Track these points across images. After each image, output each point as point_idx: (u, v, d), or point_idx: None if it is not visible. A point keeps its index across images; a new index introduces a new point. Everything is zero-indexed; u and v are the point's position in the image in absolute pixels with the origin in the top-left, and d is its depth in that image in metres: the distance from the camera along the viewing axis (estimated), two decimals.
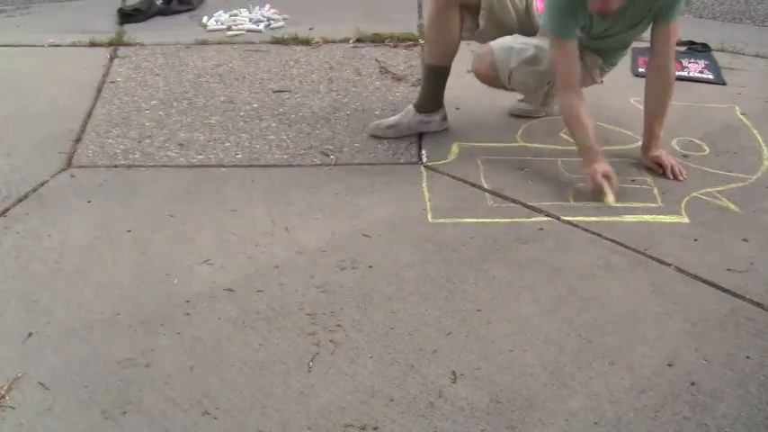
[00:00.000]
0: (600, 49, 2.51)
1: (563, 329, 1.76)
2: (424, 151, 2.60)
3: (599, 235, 2.12)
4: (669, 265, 1.99)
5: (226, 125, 2.80)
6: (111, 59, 3.32)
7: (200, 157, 2.55)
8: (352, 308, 1.82)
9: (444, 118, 2.71)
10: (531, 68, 2.45)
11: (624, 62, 3.39)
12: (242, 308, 1.82)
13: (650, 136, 2.47)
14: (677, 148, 2.62)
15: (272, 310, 1.82)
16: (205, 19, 3.89)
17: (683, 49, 3.54)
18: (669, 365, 1.65)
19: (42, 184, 2.38)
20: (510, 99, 2.84)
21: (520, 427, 1.49)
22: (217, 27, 3.81)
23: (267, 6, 4.05)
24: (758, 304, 1.84)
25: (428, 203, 2.28)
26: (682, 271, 1.97)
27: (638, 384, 1.59)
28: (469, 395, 1.57)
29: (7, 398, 1.55)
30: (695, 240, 2.10)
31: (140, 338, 1.72)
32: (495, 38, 2.54)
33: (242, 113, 2.89)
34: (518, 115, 2.82)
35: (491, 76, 2.55)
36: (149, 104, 2.95)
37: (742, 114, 2.89)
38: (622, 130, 2.75)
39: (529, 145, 2.65)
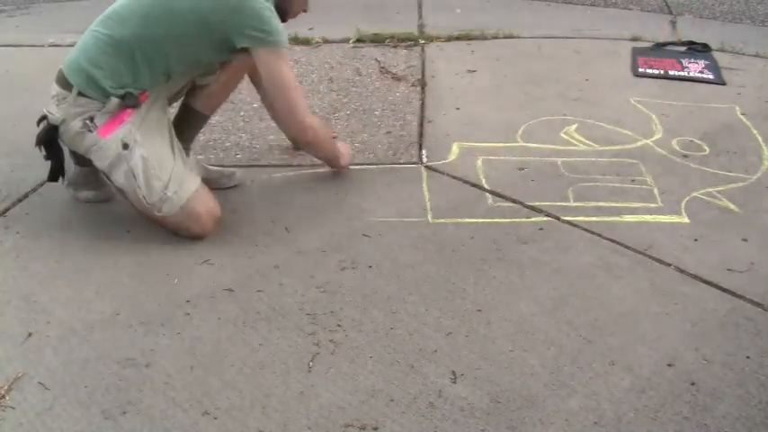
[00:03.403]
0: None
1: (563, 329, 1.76)
2: (424, 151, 2.61)
3: (599, 235, 2.12)
4: (669, 265, 1.99)
5: (226, 125, 2.80)
6: None
7: (200, 157, 2.55)
8: (352, 308, 1.82)
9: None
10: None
11: (624, 62, 3.41)
12: (242, 308, 1.82)
13: None
14: (677, 148, 2.63)
15: (272, 310, 1.82)
16: None
17: (682, 49, 3.56)
18: (669, 365, 1.65)
19: (42, 184, 2.38)
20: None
21: (520, 428, 1.49)
22: None
23: None
24: (758, 304, 1.84)
25: (428, 203, 2.28)
26: (682, 271, 1.97)
27: (638, 384, 1.59)
28: (469, 395, 1.57)
29: (7, 398, 1.55)
30: (695, 240, 2.10)
31: (140, 338, 1.72)
32: None
33: (242, 113, 2.89)
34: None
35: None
36: None
37: (742, 114, 2.90)
38: (622, 130, 2.75)
39: (529, 145, 2.65)
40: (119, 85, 2.02)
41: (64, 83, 2.04)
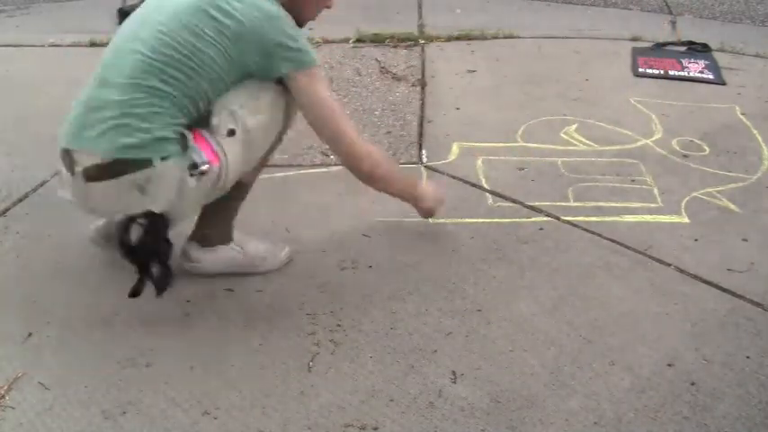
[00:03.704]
0: None
1: (563, 329, 1.76)
2: (424, 151, 2.61)
3: (599, 235, 2.12)
4: (669, 265, 1.99)
5: None
6: None
7: None
8: (352, 308, 1.82)
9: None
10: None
11: (624, 62, 3.41)
12: (242, 308, 1.82)
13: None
14: (677, 148, 2.63)
15: (272, 310, 1.82)
16: None
17: (682, 49, 3.56)
18: (669, 365, 1.65)
19: (42, 184, 2.38)
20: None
21: (520, 428, 1.49)
22: None
23: None
24: (758, 304, 1.84)
25: None
26: (682, 271, 1.96)
27: (638, 384, 1.59)
28: (469, 395, 1.56)
29: (7, 398, 1.55)
30: (695, 240, 2.10)
31: (140, 338, 1.72)
32: None
33: None
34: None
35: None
36: None
37: (742, 114, 2.90)
38: (622, 130, 2.75)
39: (529, 145, 2.65)
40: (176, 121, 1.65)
41: (134, 165, 1.62)
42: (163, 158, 1.61)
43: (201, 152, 1.66)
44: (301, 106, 1.77)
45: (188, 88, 1.63)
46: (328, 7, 1.88)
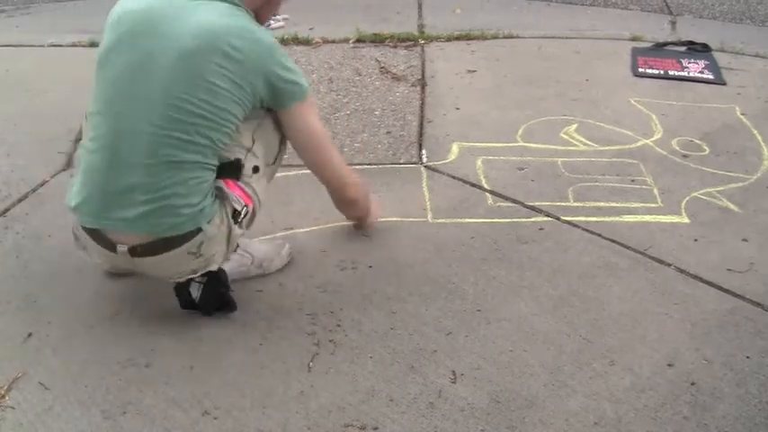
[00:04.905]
0: None
1: (563, 329, 1.76)
2: (424, 151, 2.61)
3: (599, 235, 2.12)
4: (669, 265, 1.99)
5: None
6: None
7: None
8: (352, 308, 1.82)
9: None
10: None
11: (624, 62, 3.41)
12: (242, 308, 1.82)
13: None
14: (677, 148, 2.63)
15: (272, 310, 1.82)
16: None
17: (682, 49, 3.56)
18: (669, 365, 1.65)
19: (42, 184, 2.38)
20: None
21: (520, 427, 1.49)
22: None
23: None
24: (758, 304, 1.84)
25: (428, 203, 2.28)
26: (682, 271, 1.96)
27: (638, 384, 1.59)
28: (469, 395, 1.57)
29: (7, 398, 1.55)
30: (695, 240, 2.10)
31: (140, 338, 1.72)
32: None
33: None
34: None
35: None
36: None
37: (742, 114, 2.90)
38: (622, 130, 2.75)
39: (529, 145, 2.65)
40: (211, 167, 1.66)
41: (184, 238, 1.63)
42: (209, 221, 1.64)
43: (238, 198, 1.69)
44: (294, 134, 1.78)
45: (212, 149, 1.62)
46: (275, 15, 1.85)
